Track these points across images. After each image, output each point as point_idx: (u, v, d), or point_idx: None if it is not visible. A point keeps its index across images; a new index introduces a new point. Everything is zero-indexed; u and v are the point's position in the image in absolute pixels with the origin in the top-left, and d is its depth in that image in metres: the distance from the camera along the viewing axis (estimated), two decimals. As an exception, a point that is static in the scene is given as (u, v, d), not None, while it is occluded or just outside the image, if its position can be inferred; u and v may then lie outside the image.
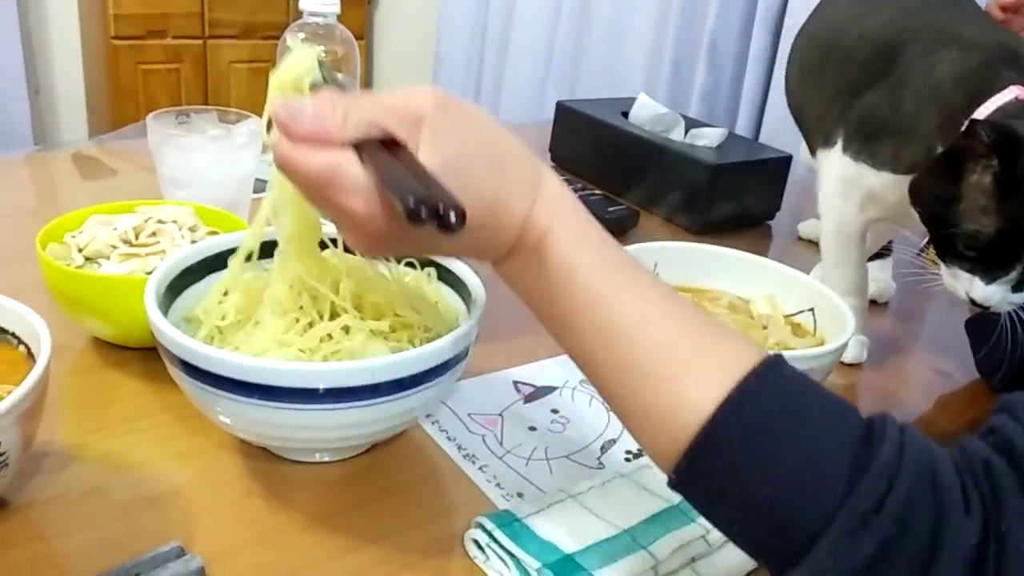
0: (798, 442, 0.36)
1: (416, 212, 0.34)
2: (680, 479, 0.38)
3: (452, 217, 0.34)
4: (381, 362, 0.47)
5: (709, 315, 0.40)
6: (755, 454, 0.36)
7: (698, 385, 0.37)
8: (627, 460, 0.58)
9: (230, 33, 2.38)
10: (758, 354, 0.38)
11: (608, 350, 0.40)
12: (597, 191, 1.01)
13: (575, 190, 0.98)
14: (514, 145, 0.42)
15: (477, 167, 0.39)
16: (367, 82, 2.88)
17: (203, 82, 2.40)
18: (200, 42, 2.37)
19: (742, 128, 1.56)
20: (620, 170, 1.08)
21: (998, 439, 0.37)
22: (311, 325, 0.51)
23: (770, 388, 0.37)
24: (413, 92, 0.39)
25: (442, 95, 0.39)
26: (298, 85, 0.46)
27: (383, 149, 0.38)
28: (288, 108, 0.38)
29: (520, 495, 0.53)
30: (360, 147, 0.37)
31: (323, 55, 0.79)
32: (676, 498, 0.52)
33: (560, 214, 0.41)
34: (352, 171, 0.37)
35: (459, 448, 0.57)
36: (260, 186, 0.92)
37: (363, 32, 2.70)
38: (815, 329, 0.64)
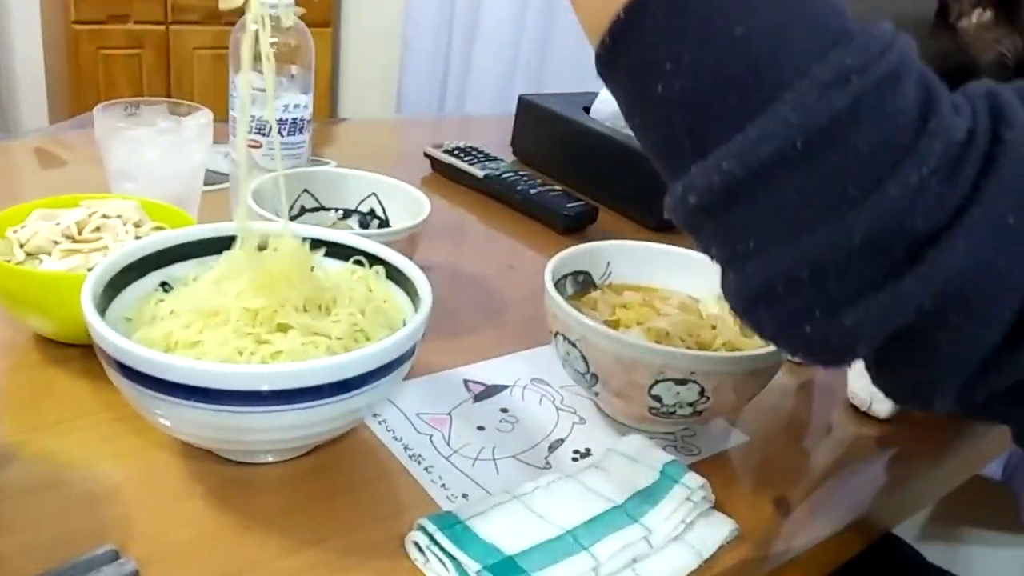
0: None
1: None
2: (635, 9, 0.34)
3: None
4: (326, 363, 0.47)
5: None
6: None
7: None
8: (574, 460, 0.58)
9: (193, 19, 2.35)
10: None
11: None
12: (557, 186, 1.01)
13: (536, 185, 0.99)
14: None
15: None
16: (334, 68, 2.85)
17: (165, 68, 2.37)
18: (162, 27, 2.34)
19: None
20: (580, 166, 1.08)
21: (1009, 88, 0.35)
22: (250, 332, 0.51)
23: None
24: None
25: None
26: None
27: None
28: None
29: (465, 496, 0.53)
30: None
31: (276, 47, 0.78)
32: (620, 499, 0.52)
33: None
34: None
35: (405, 448, 0.57)
36: (212, 178, 0.91)
37: (330, 19, 2.68)
38: (763, 329, 0.64)
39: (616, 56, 0.35)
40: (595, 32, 0.36)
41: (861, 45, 0.32)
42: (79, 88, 2.29)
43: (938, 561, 0.81)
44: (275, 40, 0.78)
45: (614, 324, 0.63)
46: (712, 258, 0.38)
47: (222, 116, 0.84)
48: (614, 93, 0.38)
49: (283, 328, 0.52)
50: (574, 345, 0.58)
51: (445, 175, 1.08)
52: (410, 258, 0.62)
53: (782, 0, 0.33)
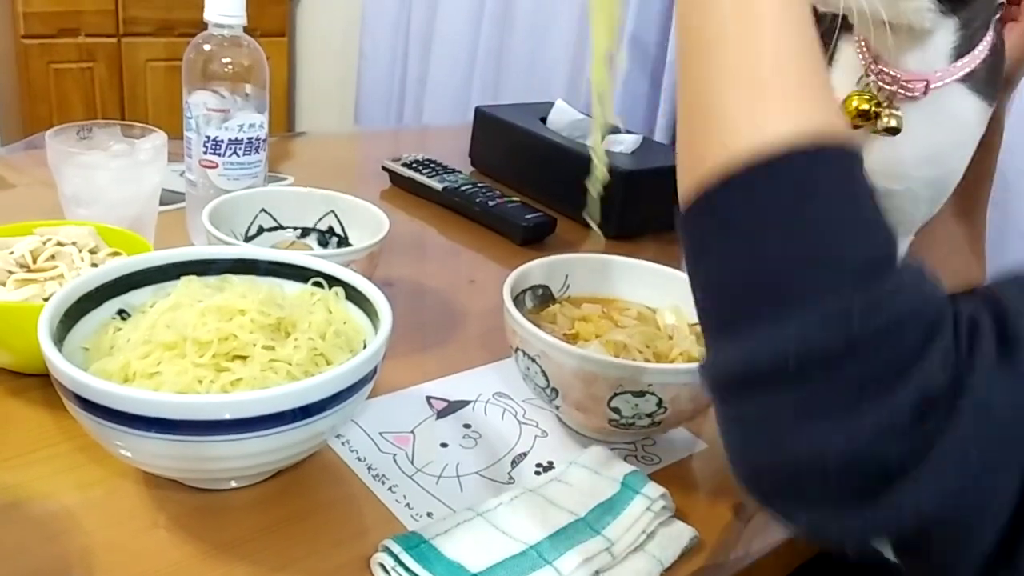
0: (840, 217, 0.35)
1: None
2: (705, 199, 0.37)
3: None
4: (286, 389, 0.47)
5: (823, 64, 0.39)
6: (796, 203, 0.35)
7: (782, 113, 0.36)
8: (537, 473, 0.59)
9: (145, 31, 2.32)
10: (844, 127, 0.38)
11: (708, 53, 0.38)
12: (516, 198, 1.02)
13: (494, 197, 0.99)
14: None
15: None
16: (290, 79, 2.83)
17: (118, 81, 2.34)
18: (114, 40, 2.31)
19: (661, 131, 1.58)
20: (538, 176, 1.09)
21: (992, 298, 0.36)
22: (209, 361, 0.51)
23: (846, 156, 0.36)
24: None
25: None
26: None
27: None
28: None
29: (430, 515, 0.54)
30: None
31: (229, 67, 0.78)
32: (582, 511, 0.53)
33: None
34: None
35: (369, 469, 0.57)
36: (169, 196, 0.91)
37: (285, 29, 2.66)
38: (719, 338, 0.65)
39: (691, 215, 0.39)
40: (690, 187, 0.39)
41: (876, 293, 0.34)
42: (31, 104, 2.25)
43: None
44: (228, 60, 0.78)
45: (573, 337, 0.64)
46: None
47: (177, 130, 0.84)
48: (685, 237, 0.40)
49: (242, 355, 0.52)
50: (534, 360, 0.58)
51: (404, 188, 1.09)
52: (370, 276, 0.63)
53: (828, 227, 0.35)
